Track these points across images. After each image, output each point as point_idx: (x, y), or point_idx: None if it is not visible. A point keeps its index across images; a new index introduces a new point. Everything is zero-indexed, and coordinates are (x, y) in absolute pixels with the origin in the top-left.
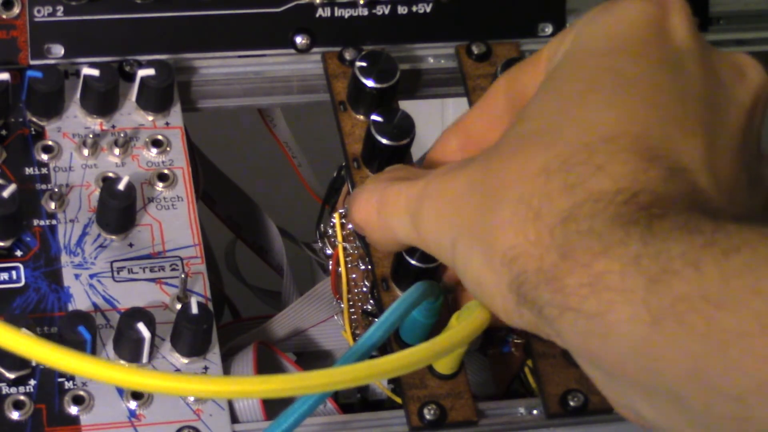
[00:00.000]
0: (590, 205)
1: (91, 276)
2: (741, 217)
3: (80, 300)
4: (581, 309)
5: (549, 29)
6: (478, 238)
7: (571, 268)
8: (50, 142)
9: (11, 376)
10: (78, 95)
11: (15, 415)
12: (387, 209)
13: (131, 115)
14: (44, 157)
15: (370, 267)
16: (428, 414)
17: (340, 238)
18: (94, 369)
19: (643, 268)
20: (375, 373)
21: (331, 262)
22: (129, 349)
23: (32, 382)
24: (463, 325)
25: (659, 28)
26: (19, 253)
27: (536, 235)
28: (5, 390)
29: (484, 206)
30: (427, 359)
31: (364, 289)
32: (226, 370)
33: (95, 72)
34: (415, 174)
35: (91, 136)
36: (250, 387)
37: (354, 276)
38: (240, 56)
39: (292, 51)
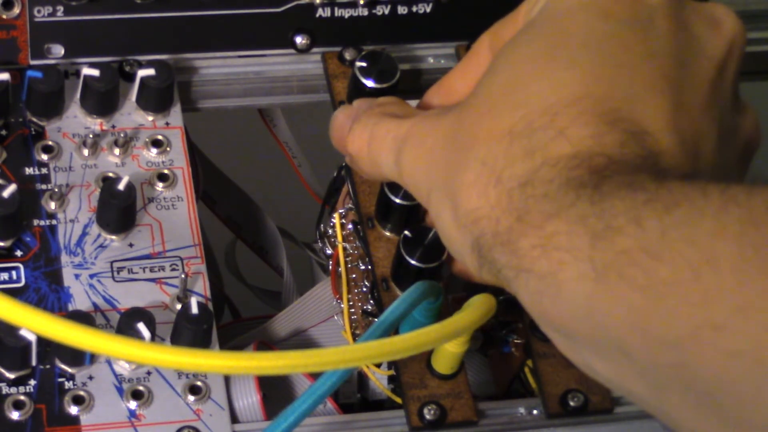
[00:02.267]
0: (547, 170)
1: (91, 276)
2: (701, 173)
3: (80, 300)
4: (533, 270)
5: None
6: (448, 194)
7: (524, 230)
8: (50, 142)
9: (11, 376)
10: (78, 95)
11: (15, 415)
12: (375, 144)
13: (131, 115)
14: (44, 157)
15: (370, 267)
16: (428, 414)
17: (340, 238)
18: (107, 344)
19: (589, 227)
20: (387, 351)
21: (331, 262)
22: None
23: (32, 382)
24: (472, 308)
25: None
26: (19, 253)
27: (497, 198)
28: (5, 390)
29: (454, 164)
30: (437, 340)
31: (364, 289)
32: None
33: (95, 72)
34: (405, 113)
35: (91, 136)
36: (268, 362)
37: (354, 276)
38: (240, 56)
39: (292, 51)
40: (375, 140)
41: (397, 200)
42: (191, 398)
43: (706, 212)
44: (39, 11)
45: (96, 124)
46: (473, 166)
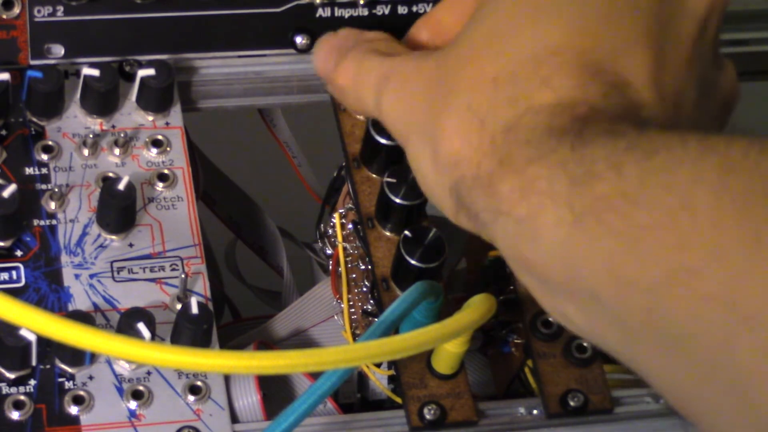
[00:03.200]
0: (530, 117)
1: (91, 276)
2: (681, 126)
3: (80, 300)
4: (512, 213)
5: None
6: (427, 137)
7: (505, 174)
8: (50, 142)
9: (11, 376)
10: (78, 95)
11: (15, 415)
12: (360, 80)
13: (131, 115)
14: (44, 157)
15: (370, 267)
16: (428, 414)
17: (340, 238)
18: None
19: (568, 172)
20: (387, 351)
21: (331, 262)
22: None
23: (32, 382)
24: (472, 308)
25: None
26: (19, 253)
27: (479, 142)
28: (5, 390)
29: (437, 108)
30: (437, 340)
31: (364, 289)
32: None
33: (95, 72)
34: (391, 50)
35: (91, 136)
36: (268, 362)
37: (354, 276)
38: (240, 56)
39: (292, 51)
40: (360, 76)
41: (397, 200)
42: (191, 398)
43: (685, 160)
44: (39, 11)
45: (96, 124)
46: (456, 110)
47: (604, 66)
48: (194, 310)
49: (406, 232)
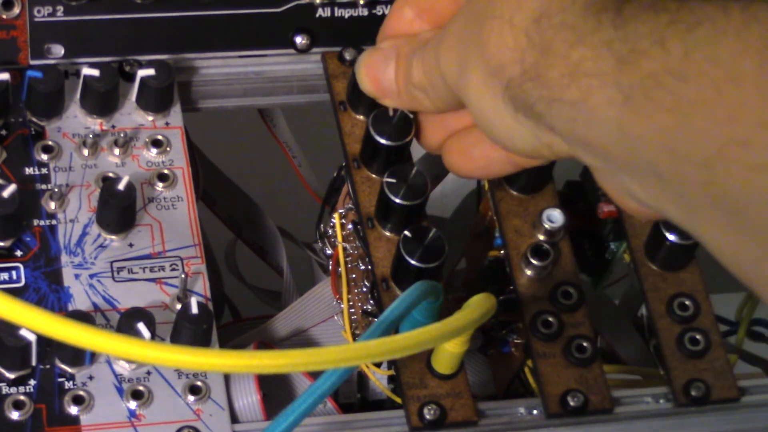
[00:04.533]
0: (560, 0)
1: (91, 276)
2: None
3: (80, 300)
4: (564, 98)
5: None
6: (475, 57)
7: (551, 62)
8: (50, 142)
9: (11, 376)
10: (78, 95)
11: (15, 415)
12: (412, 82)
13: (131, 115)
14: (44, 157)
15: (370, 267)
16: (428, 414)
17: (340, 238)
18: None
19: (614, 51)
20: (387, 350)
21: (331, 262)
22: None
23: (32, 382)
24: (472, 308)
25: None
26: (19, 253)
27: (514, 41)
28: (5, 390)
29: (474, 31)
30: (437, 339)
31: (364, 289)
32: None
33: (95, 72)
34: (417, 41)
35: (91, 136)
36: (269, 361)
37: (354, 276)
38: (240, 56)
39: (292, 51)
40: (427, 66)
41: (397, 200)
42: (191, 398)
43: (728, 30)
44: (39, 11)
45: (96, 124)
46: (487, 23)
47: None
48: (194, 310)
49: (406, 232)
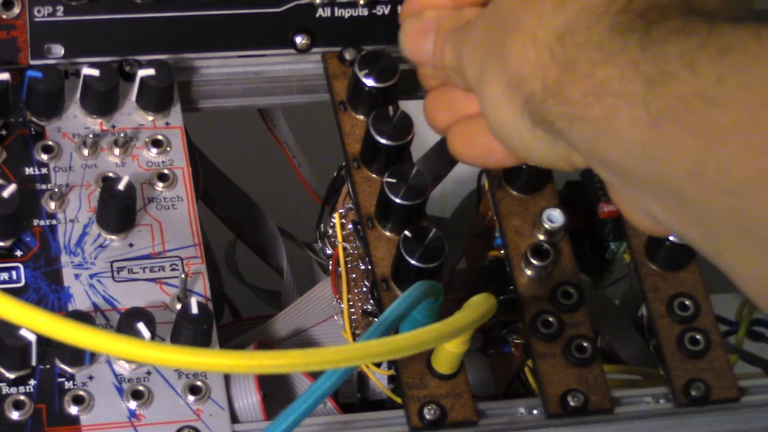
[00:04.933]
0: (585, 18)
1: (91, 276)
2: (736, 18)
3: (80, 300)
4: (587, 116)
5: None
6: (495, 66)
7: (574, 79)
8: (50, 142)
9: (11, 376)
10: (78, 95)
11: (15, 415)
12: (444, 62)
13: (131, 115)
14: (44, 157)
15: (370, 267)
16: (428, 414)
17: (340, 238)
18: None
19: (642, 72)
20: (387, 350)
21: (331, 262)
22: None
23: (32, 382)
24: (472, 308)
25: None
26: (19, 253)
27: (536, 56)
28: (5, 390)
29: (498, 39)
30: (437, 339)
31: (364, 289)
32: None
33: (95, 72)
34: (459, 18)
35: (91, 136)
36: (269, 361)
37: (354, 276)
38: (240, 56)
39: (292, 51)
40: (456, 53)
41: (397, 200)
42: (191, 398)
43: (761, 56)
44: (39, 11)
45: (96, 124)
46: (510, 34)
47: None
48: (194, 310)
49: (406, 232)
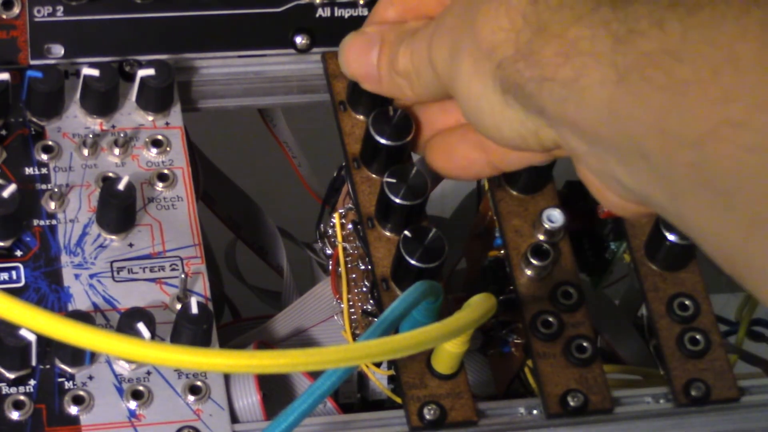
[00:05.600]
0: None
1: (91, 276)
2: None
3: (80, 300)
4: (557, 77)
5: None
6: (467, 40)
7: (546, 40)
8: (50, 142)
9: (11, 376)
10: (78, 95)
11: (15, 415)
12: (396, 68)
13: (131, 115)
14: (44, 157)
15: (370, 267)
16: (428, 414)
17: (340, 238)
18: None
19: (611, 31)
20: (387, 350)
21: (331, 262)
22: None
23: (32, 382)
24: (472, 308)
25: None
26: (19, 253)
27: (510, 22)
28: (5, 390)
29: (467, 20)
30: (437, 339)
31: (364, 289)
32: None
33: (95, 72)
34: (405, 29)
35: (91, 136)
36: (269, 361)
37: (354, 276)
38: (240, 56)
39: (292, 51)
40: (394, 65)
41: (397, 200)
42: (191, 398)
43: (728, 15)
44: (39, 11)
45: (96, 124)
46: (483, 6)
47: None
48: (194, 310)
49: (406, 232)
